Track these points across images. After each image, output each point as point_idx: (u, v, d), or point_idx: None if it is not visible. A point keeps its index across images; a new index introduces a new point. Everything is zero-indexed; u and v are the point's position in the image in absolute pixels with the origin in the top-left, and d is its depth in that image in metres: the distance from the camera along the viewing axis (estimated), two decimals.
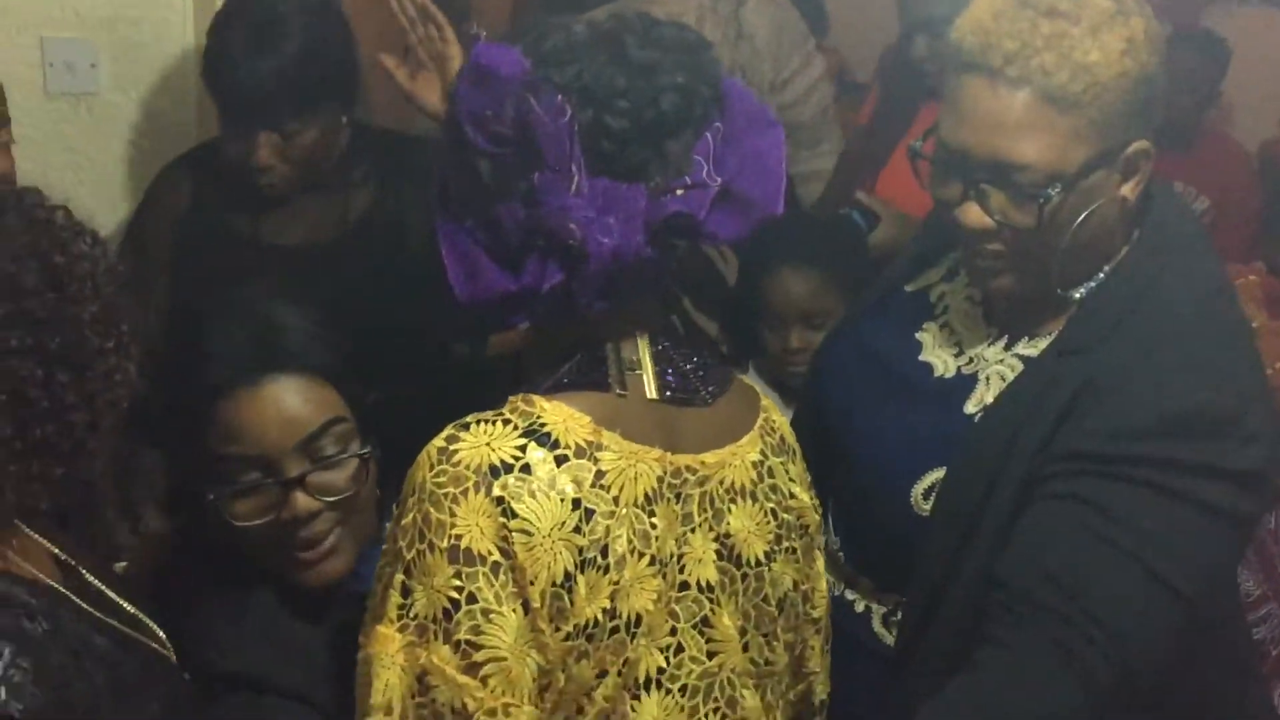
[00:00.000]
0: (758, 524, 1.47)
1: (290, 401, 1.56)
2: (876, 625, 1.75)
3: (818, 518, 1.58)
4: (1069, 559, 1.50)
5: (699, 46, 1.38)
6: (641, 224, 1.31)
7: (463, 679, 1.28)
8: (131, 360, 1.41)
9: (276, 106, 2.21)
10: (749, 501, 1.46)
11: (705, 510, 1.42)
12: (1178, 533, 1.50)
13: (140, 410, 1.48)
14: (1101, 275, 1.64)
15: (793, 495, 1.53)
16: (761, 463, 1.49)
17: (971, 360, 1.71)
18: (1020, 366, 1.66)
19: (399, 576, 1.30)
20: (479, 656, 1.28)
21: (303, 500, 1.56)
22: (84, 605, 1.47)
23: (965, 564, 1.60)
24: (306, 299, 1.66)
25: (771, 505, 1.49)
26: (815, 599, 1.59)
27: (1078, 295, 1.64)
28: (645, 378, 1.40)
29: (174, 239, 2.38)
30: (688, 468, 1.40)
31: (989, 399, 1.65)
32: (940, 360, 1.74)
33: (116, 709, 1.41)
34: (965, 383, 1.70)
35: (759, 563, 1.47)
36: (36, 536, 1.45)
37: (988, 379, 1.68)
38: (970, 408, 1.67)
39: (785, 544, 1.51)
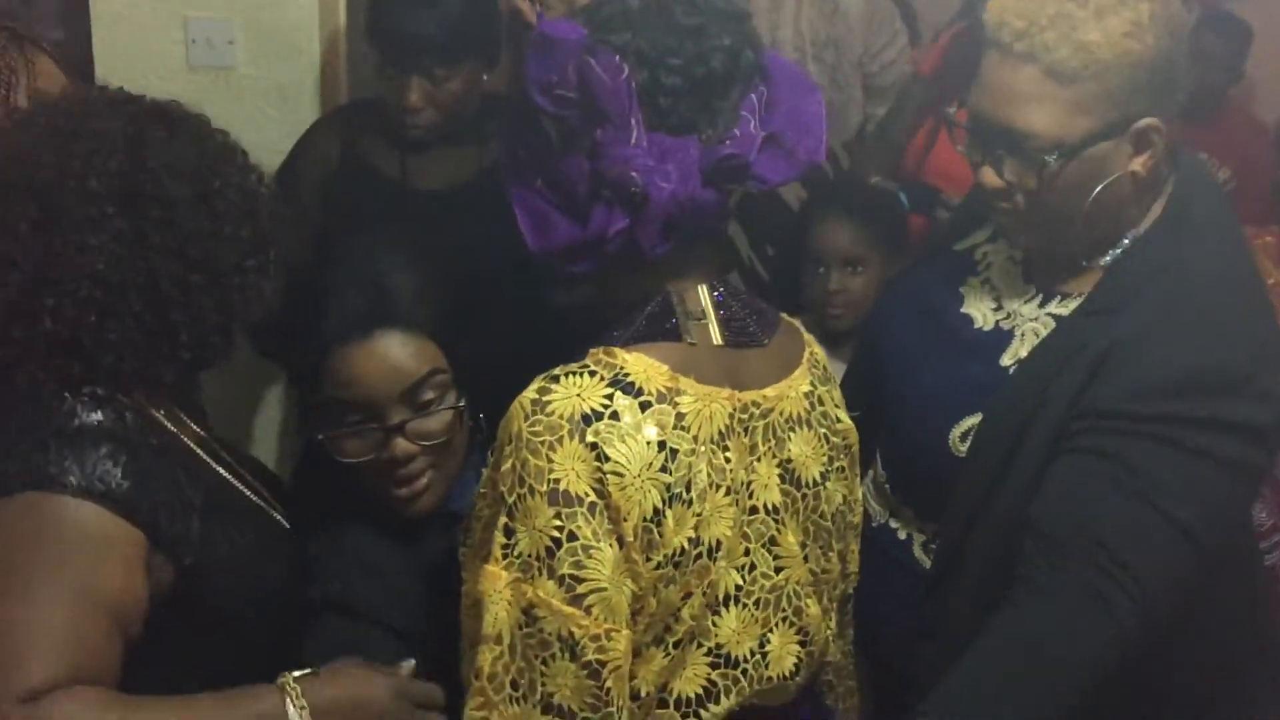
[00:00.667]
0: (813, 449, 1.57)
1: (396, 354, 1.67)
2: (917, 551, 1.86)
3: (856, 436, 1.67)
4: (1096, 509, 1.58)
5: (742, 15, 1.47)
6: (697, 170, 1.40)
7: (568, 610, 1.36)
8: (270, 281, 1.60)
9: (430, 55, 2.40)
10: (805, 429, 1.56)
11: (769, 440, 1.51)
12: (1194, 484, 1.57)
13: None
14: (1126, 242, 1.70)
15: (838, 420, 1.63)
16: (812, 392, 1.58)
17: (1009, 315, 1.79)
18: (1052, 324, 1.74)
19: (502, 519, 1.38)
20: (582, 589, 1.36)
21: (402, 444, 1.68)
22: (204, 456, 1.67)
23: (996, 503, 1.69)
24: (413, 259, 1.76)
25: (823, 430, 1.59)
26: (856, 508, 1.70)
27: (1104, 261, 1.71)
28: (710, 326, 1.49)
29: (323, 183, 2.56)
30: (753, 403, 1.49)
31: (1023, 353, 1.74)
32: (980, 313, 1.82)
33: (209, 530, 1.59)
34: (1002, 336, 1.78)
35: (815, 483, 1.57)
36: (184, 416, 1.68)
37: (1023, 335, 1.76)
38: (1006, 360, 1.76)
39: (836, 464, 1.61)
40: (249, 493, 1.75)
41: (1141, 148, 1.65)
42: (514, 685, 1.38)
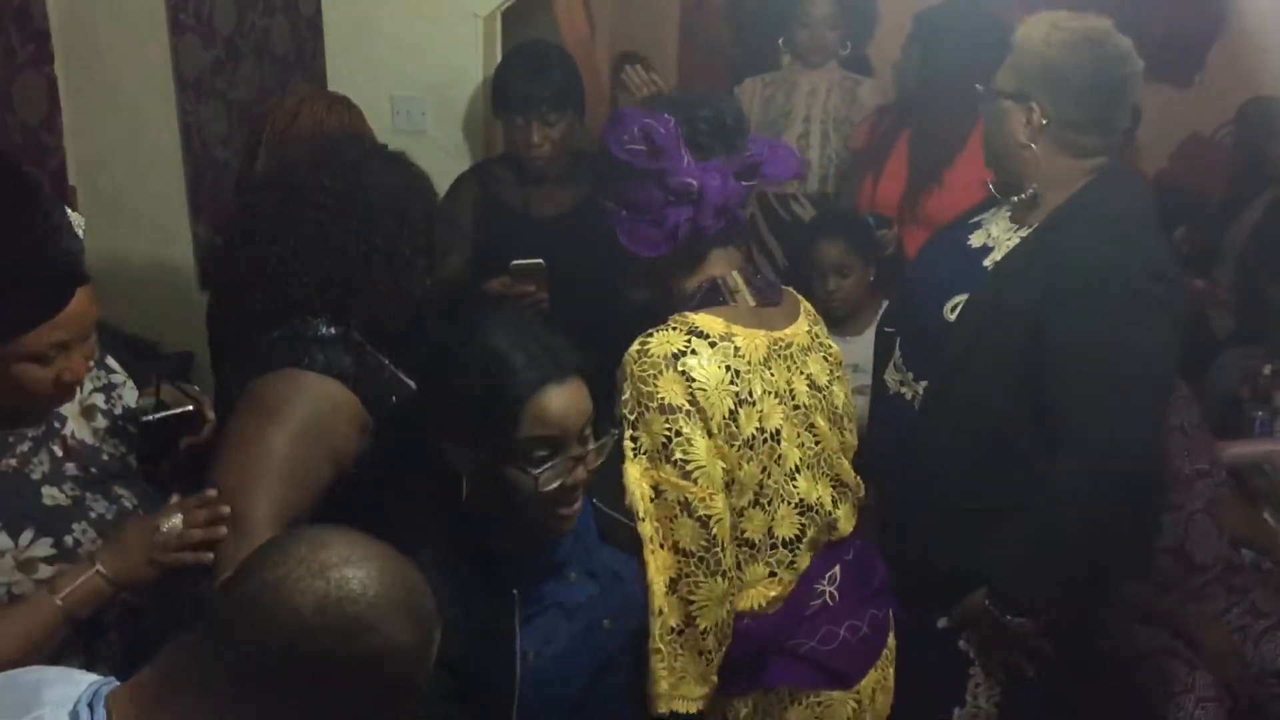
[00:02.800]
0: (820, 366, 2.11)
1: (576, 396, 1.78)
2: (917, 406, 2.45)
3: (842, 357, 2.22)
4: (1077, 416, 2.20)
5: (732, 96, 2.14)
6: (731, 172, 1.97)
7: (682, 482, 1.88)
8: (423, 271, 2.05)
9: (543, 105, 3.11)
10: (813, 353, 2.10)
11: (795, 361, 2.05)
12: (1137, 339, 2.19)
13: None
14: (1073, 194, 2.32)
15: (830, 346, 2.18)
16: (811, 329, 2.13)
17: (993, 238, 2.42)
18: (1019, 240, 2.36)
19: (629, 431, 1.90)
20: (689, 467, 1.87)
21: (580, 471, 1.80)
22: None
23: (971, 355, 2.31)
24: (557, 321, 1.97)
25: (823, 354, 2.14)
26: (850, 404, 2.23)
27: (1016, 199, 2.35)
28: (744, 294, 2.02)
29: (471, 212, 3.25)
30: (780, 339, 2.04)
31: (999, 257, 2.37)
32: (976, 240, 2.44)
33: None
34: (986, 250, 2.42)
35: (825, 386, 2.11)
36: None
37: (999, 247, 2.39)
38: (987, 262, 2.39)
39: (835, 374, 2.16)
40: None
41: (1027, 119, 2.30)
42: (660, 538, 1.91)
